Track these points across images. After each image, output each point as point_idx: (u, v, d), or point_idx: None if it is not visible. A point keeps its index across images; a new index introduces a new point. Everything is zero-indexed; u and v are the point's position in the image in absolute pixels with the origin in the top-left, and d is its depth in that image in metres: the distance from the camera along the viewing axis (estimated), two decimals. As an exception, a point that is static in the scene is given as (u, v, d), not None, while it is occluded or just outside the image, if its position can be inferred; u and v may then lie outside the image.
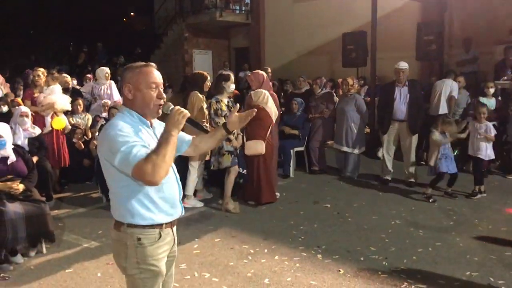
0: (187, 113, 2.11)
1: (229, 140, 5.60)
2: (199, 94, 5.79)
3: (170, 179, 2.23)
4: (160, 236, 2.22)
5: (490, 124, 6.28)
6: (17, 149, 4.73)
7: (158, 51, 17.07)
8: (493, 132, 6.23)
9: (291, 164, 7.52)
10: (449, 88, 7.88)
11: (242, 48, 16.84)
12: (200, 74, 6.07)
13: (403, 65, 6.63)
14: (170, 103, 2.20)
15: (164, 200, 2.21)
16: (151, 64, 2.25)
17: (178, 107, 2.12)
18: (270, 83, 6.67)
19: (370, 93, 9.34)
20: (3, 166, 4.45)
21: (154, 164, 1.96)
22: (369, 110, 7.85)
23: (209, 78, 6.04)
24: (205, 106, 5.77)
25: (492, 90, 7.51)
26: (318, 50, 13.65)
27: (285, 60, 14.51)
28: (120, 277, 3.56)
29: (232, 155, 5.67)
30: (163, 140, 2.03)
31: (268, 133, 5.89)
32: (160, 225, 2.21)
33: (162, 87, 2.28)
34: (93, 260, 4.28)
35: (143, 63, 2.25)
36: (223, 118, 5.59)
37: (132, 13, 25.74)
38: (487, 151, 6.21)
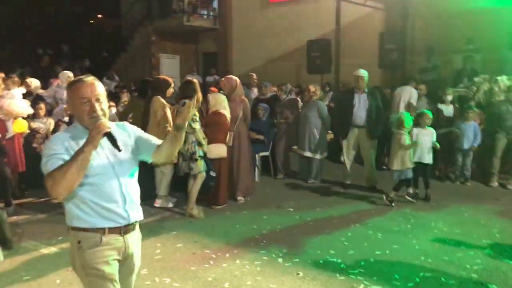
0: (104, 128, 2.08)
1: (200, 144, 5.63)
2: (161, 99, 5.81)
3: (112, 186, 2.25)
4: (101, 241, 2.23)
5: (433, 130, 6.49)
6: None
7: (124, 55, 16.88)
8: (434, 138, 6.42)
9: (256, 169, 7.60)
10: (408, 95, 8.13)
11: (210, 53, 16.86)
12: (164, 79, 6.09)
13: (362, 72, 6.83)
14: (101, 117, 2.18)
15: (102, 206, 2.23)
16: (84, 78, 2.24)
17: (100, 121, 2.11)
18: (242, 90, 6.74)
19: (334, 100, 9.54)
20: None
21: (54, 180, 2.00)
22: (333, 116, 8.01)
23: (173, 84, 6.07)
24: (169, 111, 5.79)
25: (449, 98, 7.78)
26: (285, 57, 13.82)
27: (253, 65, 14.60)
28: (79, 284, 3.54)
29: (203, 160, 5.70)
30: (72, 156, 2.05)
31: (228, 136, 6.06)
32: (102, 229, 2.23)
33: (98, 99, 2.22)
34: (52, 266, 4.23)
35: (77, 78, 2.28)
36: (197, 123, 5.62)
37: (99, 15, 25.36)
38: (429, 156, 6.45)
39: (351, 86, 7.08)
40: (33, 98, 8.16)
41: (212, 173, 5.82)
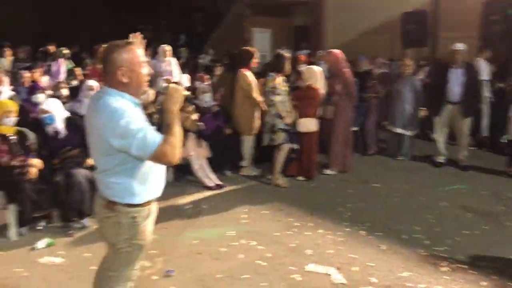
0: (182, 89, 2.21)
1: (281, 117, 5.78)
2: (245, 71, 6.03)
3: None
4: (149, 212, 2.34)
5: None
6: (73, 120, 4.89)
7: (219, 29, 17.37)
8: None
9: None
10: None
11: (303, 26, 16.75)
12: (247, 50, 6.27)
13: (459, 46, 6.49)
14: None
15: (155, 178, 2.30)
16: (133, 41, 2.29)
17: (172, 85, 2.24)
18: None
19: (429, 75, 9.12)
20: (57, 140, 4.71)
21: (172, 145, 2.10)
22: (426, 92, 7.72)
23: (255, 54, 6.22)
24: (253, 81, 6.03)
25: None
26: (378, 30, 13.37)
27: (346, 39, 14.27)
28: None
29: (284, 132, 5.85)
30: (170, 120, 2.14)
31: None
32: (149, 202, 2.31)
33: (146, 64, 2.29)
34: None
35: (125, 41, 2.24)
36: (278, 96, 5.76)
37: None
38: None
39: (447, 61, 6.75)
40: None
41: (293, 145, 5.89)
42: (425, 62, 10.34)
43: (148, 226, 2.34)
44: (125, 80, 2.16)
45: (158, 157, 2.10)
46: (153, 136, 2.08)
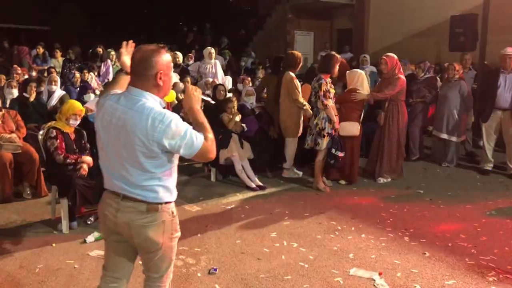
0: (198, 89, 2.35)
1: (330, 122, 5.71)
2: (291, 74, 6.09)
3: None
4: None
5: None
6: None
7: (261, 32, 17.47)
8: None
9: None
10: None
11: (345, 29, 16.63)
12: (293, 54, 6.31)
13: (510, 50, 6.31)
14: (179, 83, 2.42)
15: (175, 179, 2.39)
16: (164, 46, 2.31)
17: (189, 85, 2.35)
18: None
19: (477, 80, 8.87)
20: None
21: (212, 142, 2.24)
22: (475, 97, 7.52)
23: (301, 58, 6.29)
24: (298, 85, 6.12)
25: None
26: (423, 33, 13.12)
27: (389, 42, 14.10)
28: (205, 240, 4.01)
29: (330, 138, 5.76)
30: (199, 118, 2.27)
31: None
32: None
33: None
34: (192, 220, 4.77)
35: (157, 45, 2.26)
36: (331, 100, 5.71)
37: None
38: None
39: (497, 66, 6.57)
40: (179, 70, 9.01)
41: (335, 152, 5.73)
42: (472, 67, 10.09)
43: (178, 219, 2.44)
44: (160, 83, 2.21)
45: (203, 154, 2.21)
46: (198, 135, 2.18)
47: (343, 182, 6.18)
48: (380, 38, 14.60)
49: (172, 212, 2.33)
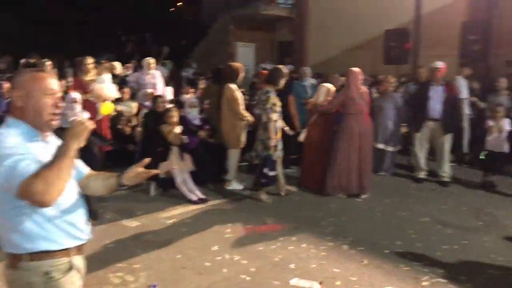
0: (89, 125, 1.86)
1: (275, 135, 5.76)
2: (232, 86, 6.11)
3: (73, 195, 2.00)
4: (71, 265, 1.92)
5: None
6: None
7: (202, 43, 17.43)
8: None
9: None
10: None
11: (286, 42, 16.93)
12: (234, 67, 6.34)
13: (439, 64, 6.66)
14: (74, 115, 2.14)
15: (68, 221, 1.93)
16: (46, 68, 2.16)
17: (80, 117, 1.97)
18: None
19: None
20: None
21: (47, 182, 1.64)
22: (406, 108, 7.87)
23: (242, 70, 6.36)
24: (240, 96, 6.14)
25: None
26: (361, 47, 13.60)
27: (328, 55, 14.51)
28: (160, 253, 3.90)
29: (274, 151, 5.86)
30: (59, 153, 1.76)
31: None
32: (68, 251, 1.92)
33: (60, 95, 2.01)
34: (133, 238, 4.63)
35: (37, 66, 2.09)
36: (275, 114, 5.73)
37: (179, 3, 26.21)
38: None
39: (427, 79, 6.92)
40: (118, 82, 8.76)
41: (267, 172, 5.76)
42: (406, 79, 10.57)
43: (72, 282, 1.93)
44: (19, 103, 1.89)
45: (24, 192, 1.66)
46: (26, 167, 1.69)
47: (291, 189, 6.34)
48: (319, 51, 14.97)
49: (47, 273, 1.86)
